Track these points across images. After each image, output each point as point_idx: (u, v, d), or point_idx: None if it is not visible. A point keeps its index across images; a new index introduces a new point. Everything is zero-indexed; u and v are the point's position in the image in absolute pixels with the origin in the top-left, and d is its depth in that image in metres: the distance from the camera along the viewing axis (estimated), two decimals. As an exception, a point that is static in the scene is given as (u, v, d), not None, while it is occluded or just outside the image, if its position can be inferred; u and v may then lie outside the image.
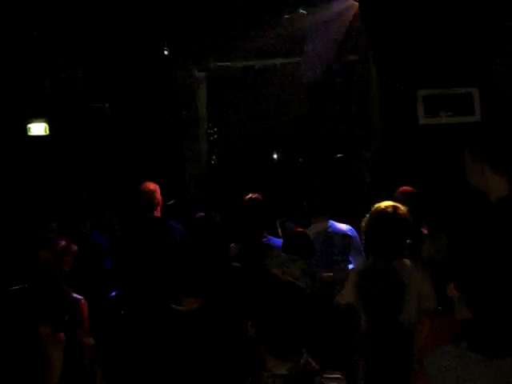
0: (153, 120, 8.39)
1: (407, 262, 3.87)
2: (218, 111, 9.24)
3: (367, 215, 3.89)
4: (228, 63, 8.97)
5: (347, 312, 3.87)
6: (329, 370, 2.64)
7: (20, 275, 4.10)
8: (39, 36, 7.58)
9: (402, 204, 3.94)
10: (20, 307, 3.51)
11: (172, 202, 6.27)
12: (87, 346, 3.80)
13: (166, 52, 8.34)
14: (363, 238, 4.08)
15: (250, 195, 5.09)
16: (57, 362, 3.30)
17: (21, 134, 8.20)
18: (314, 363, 2.52)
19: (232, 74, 9.12)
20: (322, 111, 8.56)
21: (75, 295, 3.98)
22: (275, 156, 9.29)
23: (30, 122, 8.25)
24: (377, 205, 3.87)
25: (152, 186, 5.40)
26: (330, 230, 4.97)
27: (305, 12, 7.92)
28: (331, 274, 4.60)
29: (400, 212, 3.81)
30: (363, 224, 3.92)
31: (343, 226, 5.02)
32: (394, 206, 3.83)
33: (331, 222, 5.04)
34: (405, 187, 4.94)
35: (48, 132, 8.29)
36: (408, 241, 3.92)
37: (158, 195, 5.38)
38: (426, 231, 4.81)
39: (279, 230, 5.76)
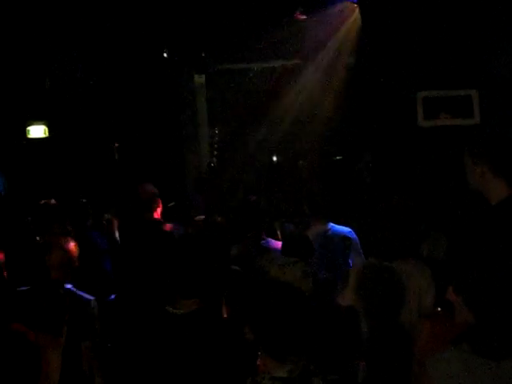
0: (153, 122, 8.39)
1: (408, 261, 3.88)
2: (218, 114, 9.24)
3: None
4: (227, 66, 8.98)
5: (348, 314, 3.87)
6: (328, 372, 2.64)
7: (22, 278, 4.10)
8: (39, 38, 7.59)
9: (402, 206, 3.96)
10: (19, 310, 3.50)
11: (172, 204, 6.27)
12: (86, 350, 3.80)
13: (165, 55, 8.34)
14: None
15: (249, 197, 5.10)
16: (55, 366, 3.29)
17: (20, 136, 8.20)
18: (312, 366, 2.51)
19: (231, 77, 9.12)
20: (320, 113, 8.56)
21: (86, 296, 3.98)
22: (275, 158, 9.28)
23: (29, 125, 8.25)
24: (377, 206, 3.90)
25: (152, 188, 5.41)
26: (329, 232, 4.98)
27: (304, 14, 7.93)
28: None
29: (399, 213, 3.83)
30: None
31: (343, 229, 5.02)
32: (394, 207, 3.86)
33: (331, 224, 5.04)
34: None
35: (47, 134, 8.29)
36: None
37: (158, 197, 5.39)
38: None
39: (278, 232, 5.75)
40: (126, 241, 5.44)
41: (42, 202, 5.36)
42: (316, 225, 5.01)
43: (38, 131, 8.29)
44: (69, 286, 3.91)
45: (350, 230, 5.00)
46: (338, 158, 8.37)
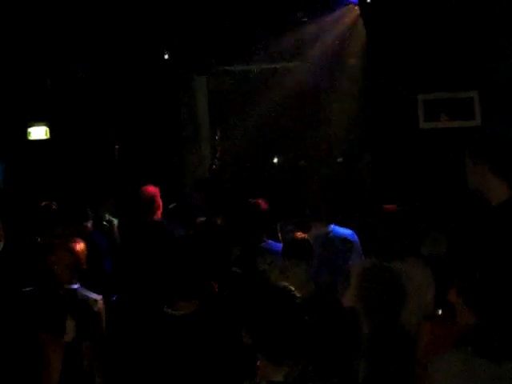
0: (153, 123, 8.39)
1: (408, 260, 3.88)
2: (219, 115, 9.25)
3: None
4: (228, 67, 8.98)
5: (349, 315, 3.87)
6: (328, 375, 2.63)
7: (25, 279, 4.10)
8: (40, 40, 7.59)
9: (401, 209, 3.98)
10: (22, 311, 3.51)
11: (173, 205, 6.27)
12: (87, 350, 3.80)
13: (166, 56, 8.35)
14: None
15: (250, 199, 5.10)
16: (55, 365, 3.30)
17: (21, 138, 8.20)
18: (310, 369, 2.50)
19: (232, 78, 9.13)
20: (322, 115, 8.56)
21: (94, 295, 3.99)
22: (275, 160, 9.28)
23: (30, 126, 8.25)
24: (377, 207, 3.92)
25: (152, 189, 5.41)
26: (331, 234, 4.97)
27: (305, 17, 7.93)
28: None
29: (398, 213, 3.85)
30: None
31: (345, 231, 5.01)
32: (393, 207, 3.87)
33: (332, 226, 5.03)
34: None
35: (49, 136, 8.29)
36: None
37: (159, 199, 5.39)
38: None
39: (279, 234, 5.75)
40: (127, 242, 5.44)
41: (43, 203, 5.36)
42: (317, 226, 5.00)
43: (39, 133, 8.29)
44: (76, 286, 3.92)
45: (351, 232, 5.00)
46: (339, 159, 8.37)
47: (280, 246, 4.76)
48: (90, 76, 8.19)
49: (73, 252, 3.95)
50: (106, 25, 7.49)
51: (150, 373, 3.10)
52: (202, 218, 5.51)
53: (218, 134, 9.17)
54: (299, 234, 4.62)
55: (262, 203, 5.06)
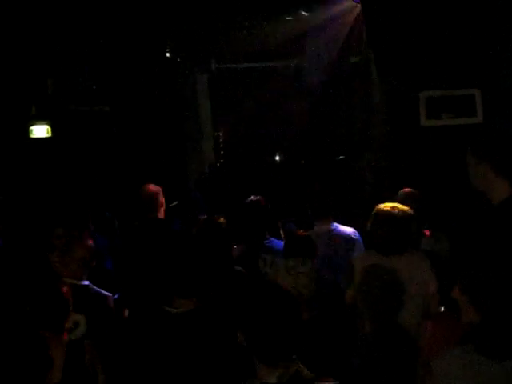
0: (155, 122, 8.39)
1: (409, 254, 3.89)
2: (221, 113, 9.26)
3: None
4: (230, 65, 8.99)
5: (351, 313, 3.87)
6: (323, 376, 2.62)
7: (25, 277, 4.11)
8: (42, 38, 7.59)
9: (404, 205, 3.98)
10: (24, 309, 3.51)
11: (175, 203, 6.28)
12: (89, 347, 3.81)
13: (168, 54, 8.35)
14: None
15: (252, 197, 5.09)
16: (58, 363, 3.30)
17: (23, 136, 8.21)
18: (306, 370, 2.49)
19: (234, 76, 9.13)
20: (323, 113, 8.56)
21: (104, 292, 4.00)
22: (277, 158, 9.29)
23: (32, 124, 8.25)
24: (378, 205, 3.94)
25: (154, 187, 5.41)
26: (333, 232, 4.96)
27: (306, 14, 7.93)
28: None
29: (400, 210, 3.86)
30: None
31: (347, 229, 5.01)
32: (394, 205, 3.89)
33: (335, 224, 5.02)
34: (407, 189, 4.93)
35: (50, 134, 8.29)
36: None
37: (161, 197, 5.38)
38: (427, 233, 4.81)
39: (281, 232, 5.75)
40: (129, 241, 5.44)
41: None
42: (319, 225, 5.00)
43: (40, 131, 8.29)
44: (86, 282, 3.93)
45: (353, 230, 4.99)
46: (340, 157, 8.37)
47: (282, 243, 4.75)
48: (91, 74, 8.19)
49: (87, 248, 3.97)
50: (108, 23, 7.49)
51: (149, 370, 3.10)
52: (204, 216, 5.51)
53: (221, 134, 9.18)
54: (301, 232, 4.62)
55: (262, 201, 5.06)
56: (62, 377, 3.38)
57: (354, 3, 7.87)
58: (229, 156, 9.14)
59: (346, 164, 8.21)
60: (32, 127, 8.26)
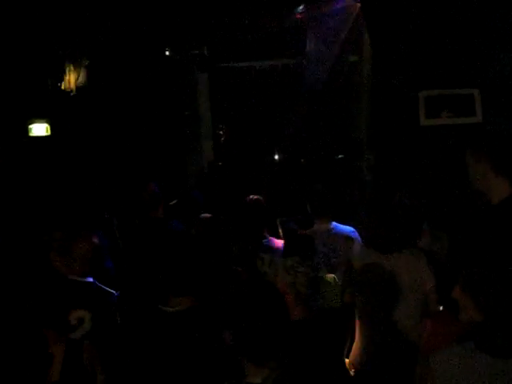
0: (155, 120, 8.39)
1: (406, 252, 3.91)
2: (221, 112, 9.25)
3: None
4: (229, 64, 8.98)
5: (349, 311, 3.88)
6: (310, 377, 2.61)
7: (25, 275, 4.10)
8: (41, 36, 7.58)
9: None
10: (25, 307, 3.52)
11: (174, 202, 6.28)
12: (88, 346, 3.80)
13: (167, 53, 8.34)
14: None
15: (250, 196, 5.10)
16: (57, 360, 3.31)
17: (22, 134, 8.20)
18: (292, 374, 2.47)
19: (234, 75, 9.13)
20: (323, 112, 8.56)
21: (108, 289, 4.00)
22: (276, 157, 9.29)
23: (31, 123, 8.25)
24: (375, 203, 3.97)
25: (154, 186, 5.42)
26: (332, 231, 4.97)
27: (306, 13, 7.92)
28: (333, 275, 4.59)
29: (395, 207, 3.89)
30: None
31: (346, 228, 5.01)
32: (390, 204, 3.92)
33: (334, 223, 5.03)
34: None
35: (49, 133, 8.29)
36: None
37: (160, 196, 5.39)
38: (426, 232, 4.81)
39: (280, 231, 5.75)
40: (128, 239, 5.44)
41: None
42: (318, 224, 5.01)
43: (39, 129, 8.29)
44: (90, 279, 3.94)
45: (353, 229, 5.00)
46: (339, 156, 8.37)
47: (281, 243, 4.75)
48: (91, 73, 8.19)
49: (89, 245, 3.98)
50: (107, 22, 7.49)
51: (147, 370, 3.10)
52: (203, 215, 5.51)
53: (222, 132, 9.18)
54: (301, 231, 4.62)
55: (261, 200, 5.06)
56: (61, 376, 3.38)
57: (353, 2, 7.86)
58: (228, 155, 9.14)
59: (346, 163, 8.21)
60: (31, 125, 8.26)
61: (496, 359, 2.23)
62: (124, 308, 4.84)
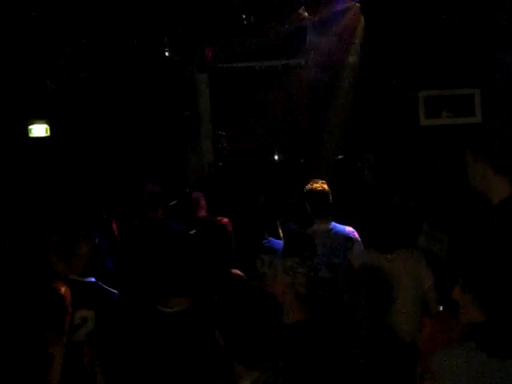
0: (154, 121, 8.38)
1: (405, 252, 3.91)
2: (221, 112, 9.25)
3: None
4: (229, 64, 8.98)
5: (349, 311, 3.88)
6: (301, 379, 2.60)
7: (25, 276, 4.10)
8: (40, 37, 7.58)
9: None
10: (25, 308, 3.52)
11: (174, 202, 6.27)
12: (88, 347, 3.80)
13: (167, 53, 8.34)
14: None
15: (250, 196, 5.09)
16: (57, 361, 3.30)
17: (22, 135, 8.20)
18: (289, 372, 2.46)
19: (233, 76, 9.12)
20: (323, 112, 8.55)
21: (109, 289, 4.00)
22: (276, 157, 9.28)
23: (31, 124, 8.25)
24: (375, 203, 3.97)
25: (154, 187, 5.42)
26: (332, 231, 4.97)
27: (306, 13, 7.92)
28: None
29: (395, 208, 3.89)
30: None
31: (346, 228, 5.01)
32: (389, 203, 3.93)
33: (333, 223, 5.03)
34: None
35: (49, 133, 8.29)
36: None
37: (160, 196, 5.39)
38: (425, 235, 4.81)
39: (280, 231, 5.74)
40: (127, 240, 5.44)
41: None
42: (318, 224, 5.00)
43: (39, 130, 8.29)
44: (92, 279, 3.95)
45: (352, 229, 5.00)
46: (339, 157, 8.37)
47: (281, 243, 4.74)
48: (90, 74, 8.19)
49: (89, 246, 3.98)
50: (106, 22, 7.48)
51: (145, 370, 3.10)
52: (203, 215, 5.51)
53: (224, 133, 9.17)
54: (302, 231, 4.61)
55: (261, 200, 5.06)
56: (61, 377, 3.38)
57: (353, 3, 7.87)
58: (228, 155, 9.14)
59: (346, 163, 8.20)
60: (31, 126, 8.26)
61: (498, 359, 2.23)
62: (124, 308, 4.84)
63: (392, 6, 7.03)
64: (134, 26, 7.59)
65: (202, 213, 5.61)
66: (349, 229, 5.00)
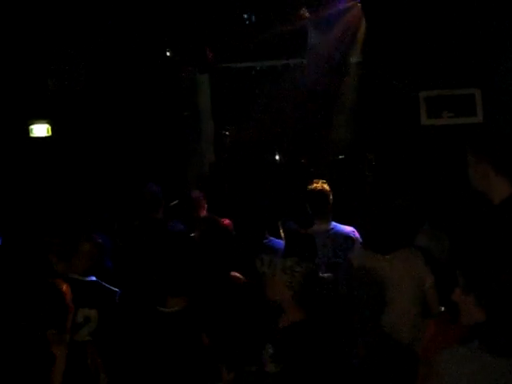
0: (155, 121, 8.38)
1: (404, 251, 3.92)
2: (222, 112, 9.25)
3: None
4: (230, 64, 8.97)
5: (349, 311, 3.88)
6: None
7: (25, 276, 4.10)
8: (42, 37, 7.58)
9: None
10: (27, 308, 3.52)
11: (175, 202, 6.28)
12: (90, 346, 3.81)
13: (168, 54, 8.34)
14: None
15: (252, 196, 5.10)
16: (60, 360, 3.31)
17: (23, 135, 8.20)
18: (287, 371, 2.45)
19: (235, 75, 9.13)
20: (323, 112, 8.55)
21: (111, 288, 4.01)
22: (277, 157, 9.28)
23: (32, 124, 8.25)
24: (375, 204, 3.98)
25: (155, 187, 5.42)
26: (332, 231, 4.97)
27: (307, 13, 7.92)
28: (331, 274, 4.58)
29: (395, 208, 3.90)
30: None
31: (346, 228, 5.01)
32: (389, 203, 3.94)
33: (334, 223, 5.03)
34: None
35: (50, 133, 8.29)
36: None
37: (161, 196, 5.39)
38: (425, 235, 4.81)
39: (281, 231, 5.74)
40: (128, 240, 5.44)
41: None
42: (318, 224, 5.00)
43: (40, 130, 8.29)
44: (93, 278, 3.95)
45: (352, 229, 5.00)
46: (340, 157, 8.37)
47: (281, 243, 4.75)
48: (91, 74, 8.19)
49: (90, 246, 4.01)
50: (107, 22, 7.48)
51: (145, 369, 3.10)
52: (204, 215, 5.51)
53: (227, 134, 9.17)
54: (303, 231, 4.62)
55: (262, 200, 5.07)
56: (64, 375, 3.38)
57: (354, 2, 7.86)
58: (229, 155, 9.14)
59: (347, 163, 8.21)
60: (32, 126, 8.26)
61: (500, 358, 2.23)
62: (123, 308, 4.85)
63: (393, 5, 7.02)
64: (134, 26, 7.59)
65: (203, 213, 5.62)
66: (349, 228, 5.01)
